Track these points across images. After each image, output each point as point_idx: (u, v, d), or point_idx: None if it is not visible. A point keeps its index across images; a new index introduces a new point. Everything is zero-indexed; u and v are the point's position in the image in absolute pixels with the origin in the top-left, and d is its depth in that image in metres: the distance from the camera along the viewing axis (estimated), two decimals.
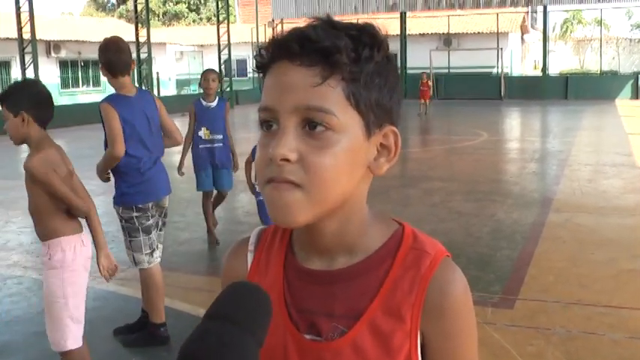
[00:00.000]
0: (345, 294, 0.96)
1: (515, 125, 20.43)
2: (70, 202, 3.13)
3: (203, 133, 6.47)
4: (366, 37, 0.90)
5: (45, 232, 3.20)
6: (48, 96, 3.26)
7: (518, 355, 3.86)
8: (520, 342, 4.06)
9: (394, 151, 0.95)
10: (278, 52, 0.91)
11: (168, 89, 35.08)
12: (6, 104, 3.12)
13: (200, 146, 6.51)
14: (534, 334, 4.19)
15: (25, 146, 3.23)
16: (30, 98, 3.14)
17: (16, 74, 25.02)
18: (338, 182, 0.89)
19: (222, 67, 27.62)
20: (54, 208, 3.15)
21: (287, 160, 0.87)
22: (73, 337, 3.24)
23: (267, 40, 0.95)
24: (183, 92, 35.32)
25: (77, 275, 3.22)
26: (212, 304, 0.79)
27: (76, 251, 3.20)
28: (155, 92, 25.09)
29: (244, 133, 19.26)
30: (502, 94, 27.54)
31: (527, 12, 35.40)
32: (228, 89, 27.71)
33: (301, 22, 0.93)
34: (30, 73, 19.25)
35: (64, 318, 3.21)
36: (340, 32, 0.89)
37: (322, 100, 0.87)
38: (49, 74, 27.53)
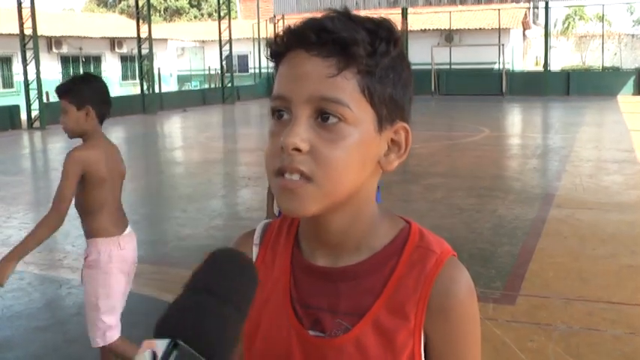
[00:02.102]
0: (350, 291, 0.96)
1: (517, 121, 20.41)
2: (56, 202, 3.00)
3: None
4: (383, 31, 0.90)
5: (86, 231, 3.20)
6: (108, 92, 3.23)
7: (519, 351, 3.86)
8: (521, 338, 4.06)
9: (405, 147, 0.95)
10: (294, 40, 0.90)
11: (170, 85, 35.06)
12: (70, 97, 3.05)
13: None
14: (535, 330, 4.19)
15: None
16: (96, 93, 3.12)
17: (17, 70, 25.00)
18: (348, 175, 0.89)
19: (224, 62, 27.61)
20: (96, 208, 3.13)
21: (298, 150, 0.86)
22: (102, 336, 3.23)
23: (277, 31, 0.94)
24: (185, 88, 35.33)
25: (111, 278, 3.18)
26: (192, 275, 0.77)
27: (111, 254, 3.16)
28: (156, 88, 25.06)
29: (246, 129, 19.27)
30: (503, 90, 27.49)
31: (529, 8, 35.28)
32: (229, 85, 27.71)
33: (303, 18, 0.93)
34: (31, 69, 19.23)
35: (94, 318, 3.21)
36: (357, 25, 0.88)
37: (337, 92, 0.87)
38: (50, 70, 27.49)
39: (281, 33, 0.92)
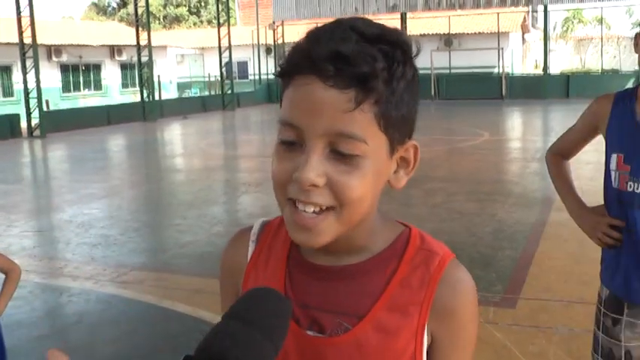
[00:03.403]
0: (350, 291, 0.96)
1: (517, 125, 20.41)
2: None
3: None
4: (399, 53, 0.87)
5: None
6: None
7: (520, 355, 3.86)
8: (522, 341, 4.05)
9: (413, 164, 0.95)
10: (306, 65, 0.86)
11: (170, 92, 35.09)
12: None
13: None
14: (536, 333, 4.19)
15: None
16: None
17: (17, 79, 25.04)
18: (365, 203, 0.89)
19: (224, 69, 27.64)
20: None
21: (315, 186, 0.86)
22: None
23: (287, 51, 0.91)
24: (185, 95, 35.37)
25: None
26: (233, 306, 0.79)
27: None
28: (156, 95, 25.07)
29: (246, 135, 19.28)
30: (503, 93, 27.52)
31: (528, 11, 35.35)
32: (229, 91, 27.74)
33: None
34: (31, 78, 19.26)
35: None
36: (374, 48, 0.84)
37: (354, 127, 0.85)
38: (50, 78, 27.55)
39: (292, 52, 0.89)
